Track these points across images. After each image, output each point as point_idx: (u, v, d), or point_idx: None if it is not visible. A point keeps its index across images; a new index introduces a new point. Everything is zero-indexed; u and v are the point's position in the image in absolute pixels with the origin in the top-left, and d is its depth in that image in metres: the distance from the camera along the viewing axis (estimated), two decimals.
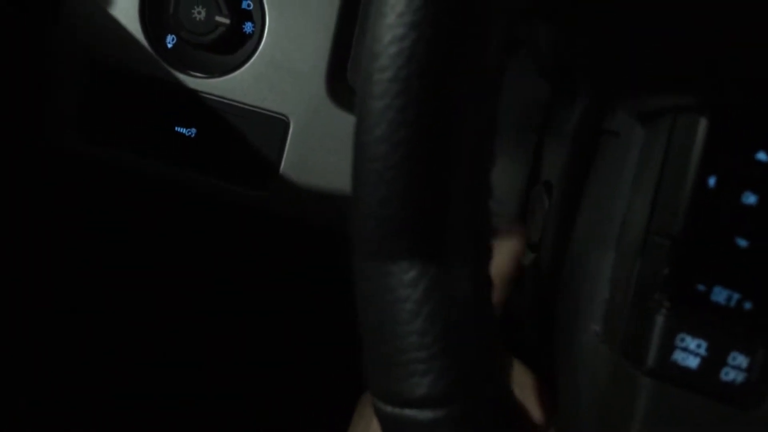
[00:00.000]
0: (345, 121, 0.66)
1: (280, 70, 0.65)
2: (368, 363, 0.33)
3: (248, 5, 0.65)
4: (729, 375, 0.34)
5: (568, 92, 0.47)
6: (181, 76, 0.66)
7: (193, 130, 0.66)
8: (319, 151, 0.66)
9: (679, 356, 0.34)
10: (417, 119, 0.29)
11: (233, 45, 0.66)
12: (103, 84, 0.67)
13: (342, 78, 0.66)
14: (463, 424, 0.31)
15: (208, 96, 0.66)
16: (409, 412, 0.31)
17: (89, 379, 0.90)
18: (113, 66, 0.66)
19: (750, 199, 0.33)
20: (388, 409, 0.32)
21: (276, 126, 0.66)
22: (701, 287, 0.34)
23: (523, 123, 0.60)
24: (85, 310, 0.89)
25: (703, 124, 0.33)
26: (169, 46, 0.66)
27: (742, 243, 0.33)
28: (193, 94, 0.66)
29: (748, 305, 0.33)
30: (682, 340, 0.34)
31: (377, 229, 0.30)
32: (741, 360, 0.34)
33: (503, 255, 0.48)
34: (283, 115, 0.66)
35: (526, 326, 0.50)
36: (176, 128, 0.66)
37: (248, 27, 0.65)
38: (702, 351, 0.34)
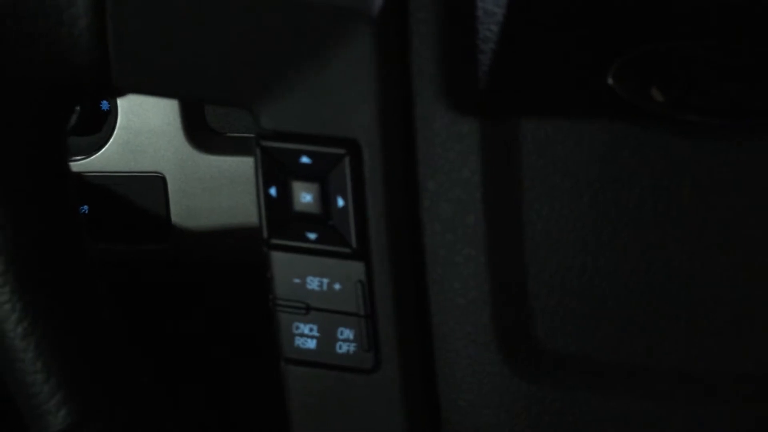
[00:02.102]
0: (214, 163, 0.72)
1: (142, 134, 0.72)
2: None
3: None
4: (343, 348, 0.38)
5: None
6: None
7: (85, 207, 0.74)
8: (201, 196, 0.72)
9: (299, 341, 0.38)
10: None
11: (96, 124, 0.73)
12: None
13: (201, 124, 0.73)
14: None
15: (89, 174, 0.73)
16: None
17: None
18: None
19: (306, 198, 0.37)
20: None
21: (155, 184, 0.73)
22: (297, 280, 0.38)
23: None
24: None
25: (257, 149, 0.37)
26: None
27: (312, 236, 0.37)
28: (76, 176, 0.73)
29: (337, 286, 0.37)
30: (297, 327, 0.38)
31: None
32: (348, 333, 0.38)
33: None
34: (158, 172, 0.72)
35: None
36: None
37: (104, 105, 0.72)
38: (315, 333, 0.38)
